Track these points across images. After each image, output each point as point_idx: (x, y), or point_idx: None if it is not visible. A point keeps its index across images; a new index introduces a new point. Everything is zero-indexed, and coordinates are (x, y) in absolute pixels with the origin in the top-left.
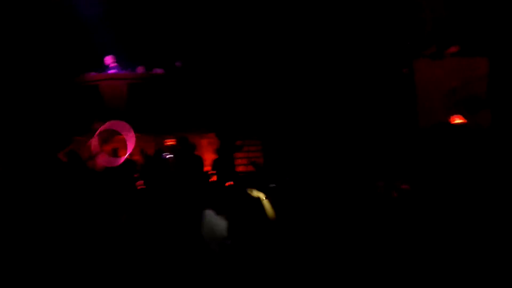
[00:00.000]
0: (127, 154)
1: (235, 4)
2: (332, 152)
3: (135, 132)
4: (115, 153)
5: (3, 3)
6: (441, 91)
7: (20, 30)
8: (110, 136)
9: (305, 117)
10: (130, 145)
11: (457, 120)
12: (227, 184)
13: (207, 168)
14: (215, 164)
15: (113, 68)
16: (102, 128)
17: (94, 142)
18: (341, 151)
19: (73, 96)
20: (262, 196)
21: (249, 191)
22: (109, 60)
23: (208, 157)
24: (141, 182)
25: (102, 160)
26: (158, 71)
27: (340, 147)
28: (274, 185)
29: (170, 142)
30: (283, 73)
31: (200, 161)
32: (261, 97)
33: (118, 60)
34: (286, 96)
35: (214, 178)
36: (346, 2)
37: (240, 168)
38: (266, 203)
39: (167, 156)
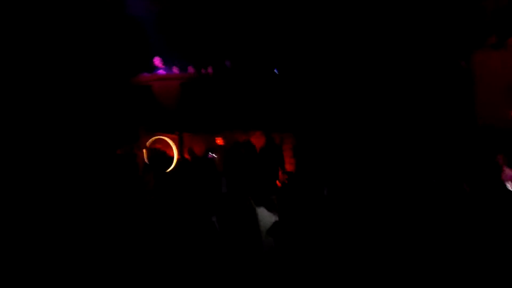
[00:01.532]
0: None
1: (282, 6)
2: (385, 149)
3: (185, 131)
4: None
5: (59, 6)
6: (501, 85)
7: (77, 31)
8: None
9: (355, 112)
10: None
11: None
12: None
13: None
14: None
15: (161, 69)
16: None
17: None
18: (394, 149)
19: (128, 95)
20: None
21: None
22: (157, 61)
23: None
24: None
25: None
26: (208, 70)
27: (393, 144)
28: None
29: (219, 141)
30: (333, 70)
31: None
32: (307, 96)
33: (169, 60)
34: (336, 92)
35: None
36: None
37: (286, 167)
38: None
39: (212, 156)
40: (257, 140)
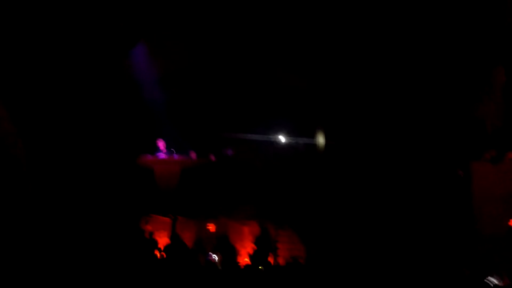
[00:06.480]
0: None
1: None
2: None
3: (180, 215)
4: None
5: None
6: (499, 196)
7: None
8: None
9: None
10: None
11: None
12: None
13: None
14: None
15: (163, 152)
16: None
17: None
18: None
19: (132, 175)
20: None
21: None
22: (161, 144)
23: (248, 246)
24: None
25: None
26: (210, 157)
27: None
28: None
29: (210, 227)
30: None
31: None
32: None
33: (171, 145)
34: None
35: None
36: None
37: (279, 260)
38: None
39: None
40: (252, 230)
